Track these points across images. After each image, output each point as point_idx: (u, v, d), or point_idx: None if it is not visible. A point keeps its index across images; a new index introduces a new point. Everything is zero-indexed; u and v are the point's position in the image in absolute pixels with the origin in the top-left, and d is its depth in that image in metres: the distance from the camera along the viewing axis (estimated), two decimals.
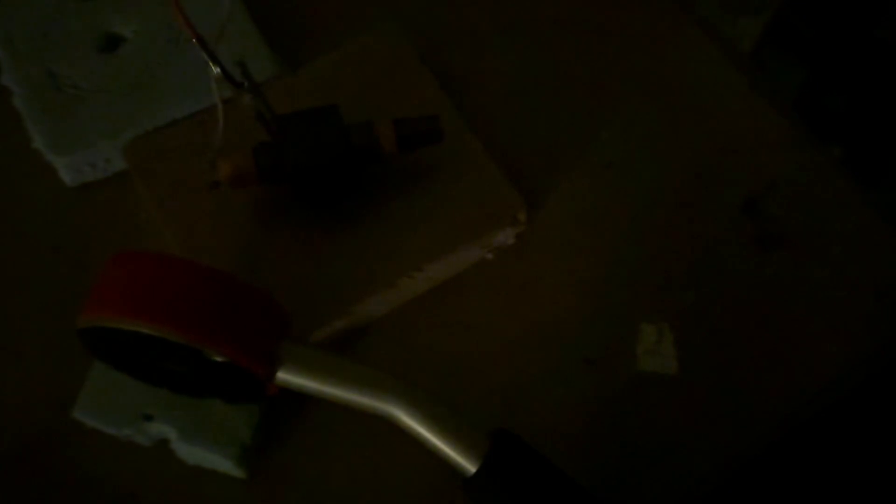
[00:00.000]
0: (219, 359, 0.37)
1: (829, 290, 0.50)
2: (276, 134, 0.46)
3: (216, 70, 0.42)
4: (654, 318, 0.49)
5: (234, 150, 0.46)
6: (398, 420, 0.41)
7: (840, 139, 0.90)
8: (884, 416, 0.67)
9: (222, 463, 0.43)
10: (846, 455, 0.70)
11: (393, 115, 0.47)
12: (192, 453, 0.44)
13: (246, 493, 0.44)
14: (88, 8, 0.54)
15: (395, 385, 0.41)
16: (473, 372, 0.48)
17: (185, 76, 0.52)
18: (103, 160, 0.51)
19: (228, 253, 0.48)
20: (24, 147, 0.51)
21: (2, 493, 0.45)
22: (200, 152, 0.49)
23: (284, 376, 0.40)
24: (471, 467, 0.40)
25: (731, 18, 0.75)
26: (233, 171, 0.46)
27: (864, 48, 0.85)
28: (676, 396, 0.47)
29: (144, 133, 0.51)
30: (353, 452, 0.46)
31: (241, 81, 0.44)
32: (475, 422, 0.41)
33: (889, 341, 0.49)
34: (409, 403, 0.40)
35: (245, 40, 0.53)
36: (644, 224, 0.52)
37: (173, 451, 0.44)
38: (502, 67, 0.56)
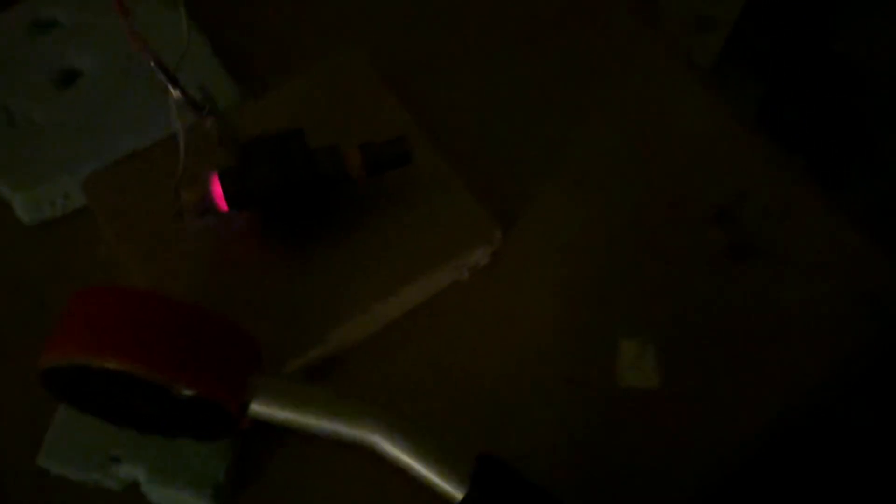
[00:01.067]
0: (188, 393, 0.36)
1: (805, 296, 0.50)
2: (240, 160, 0.45)
3: (176, 93, 0.41)
4: (633, 333, 0.48)
5: (198, 179, 0.45)
6: (380, 448, 0.40)
7: (801, 150, 0.91)
8: (866, 420, 0.67)
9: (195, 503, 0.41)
10: (830, 461, 0.70)
11: (359, 139, 0.46)
12: (165, 495, 0.42)
13: None
14: (45, 42, 0.53)
15: (375, 412, 0.40)
16: (453, 396, 0.47)
17: (144, 107, 0.51)
18: (62, 196, 0.49)
19: (194, 284, 0.46)
20: None
21: None
22: (162, 182, 0.48)
23: (258, 409, 0.39)
24: (458, 494, 0.39)
25: (692, 35, 0.76)
26: (196, 199, 0.44)
27: (821, 62, 0.87)
28: (659, 410, 0.46)
29: (104, 166, 0.50)
30: (332, 486, 0.44)
31: (203, 105, 0.43)
32: (459, 447, 0.40)
33: (866, 345, 0.49)
34: (391, 430, 0.39)
35: (205, 69, 0.52)
36: (617, 239, 0.51)
37: (145, 494, 0.42)
38: (467, 89, 0.56)
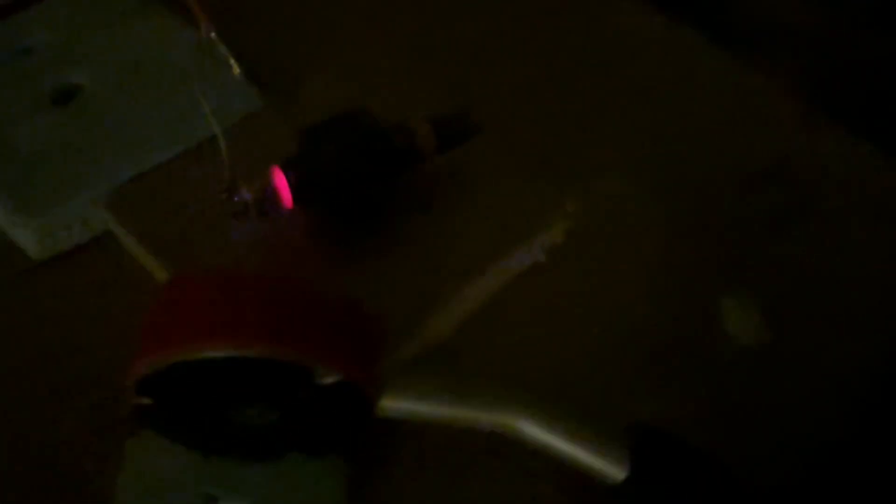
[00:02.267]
0: (329, 380, 0.30)
1: (872, 246, 0.50)
2: (301, 148, 0.41)
3: (238, 71, 0.37)
4: (729, 292, 0.46)
5: (255, 176, 0.40)
6: (524, 432, 0.35)
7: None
8: None
9: None
10: None
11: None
12: None
13: None
14: (30, 63, 0.47)
15: (517, 394, 0.35)
16: (564, 380, 0.42)
17: (161, 119, 0.46)
18: (79, 221, 0.43)
19: None
20: None
21: None
22: (198, 191, 0.42)
23: (393, 399, 0.33)
24: (619, 472, 0.35)
25: None
26: (260, 193, 0.39)
27: None
28: (775, 365, 0.44)
29: (126, 182, 0.44)
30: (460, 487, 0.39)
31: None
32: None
33: None
34: (538, 412, 0.35)
35: (223, 75, 0.48)
36: (681, 206, 0.49)
37: None
38: (504, 77, 0.54)
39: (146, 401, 0.31)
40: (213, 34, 0.36)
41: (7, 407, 0.39)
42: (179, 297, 0.31)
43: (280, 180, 0.40)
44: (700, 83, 0.56)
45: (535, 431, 0.35)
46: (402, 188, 0.43)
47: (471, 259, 0.43)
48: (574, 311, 0.45)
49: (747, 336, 0.45)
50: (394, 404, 0.34)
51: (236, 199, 0.39)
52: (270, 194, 0.39)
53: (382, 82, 0.49)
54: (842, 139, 0.54)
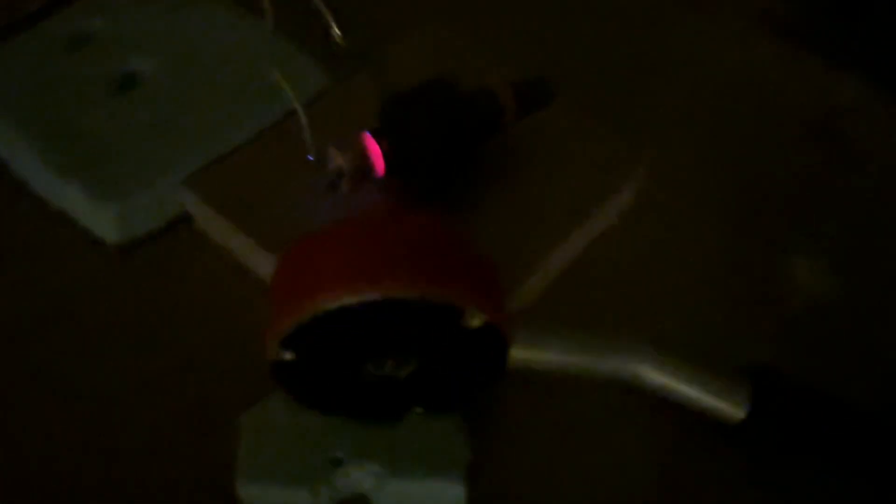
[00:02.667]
0: (477, 323, 0.30)
1: None
2: (387, 117, 0.41)
3: (337, 32, 0.37)
4: (798, 251, 0.47)
5: (347, 144, 0.40)
6: (644, 378, 0.35)
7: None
8: None
9: (449, 491, 0.34)
10: None
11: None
12: (404, 495, 0.34)
13: None
14: (89, 52, 0.47)
15: (633, 341, 0.35)
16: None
17: (229, 102, 0.45)
18: (157, 204, 0.42)
19: None
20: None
21: None
22: (277, 170, 0.42)
23: (519, 348, 0.33)
24: (739, 411, 0.35)
25: None
26: (356, 160, 0.39)
27: None
28: (860, 318, 0.45)
29: (206, 164, 0.43)
30: (580, 437, 0.39)
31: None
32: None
33: None
34: (657, 357, 0.35)
35: (290, 56, 0.48)
36: (741, 167, 0.51)
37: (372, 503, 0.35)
38: (555, 57, 0.55)
39: (289, 356, 0.30)
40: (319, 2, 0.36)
41: (102, 394, 0.38)
42: (315, 249, 0.30)
43: (373, 146, 0.40)
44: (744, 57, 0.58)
45: (654, 377, 0.35)
46: (485, 154, 0.43)
47: (561, 217, 0.43)
48: (654, 268, 0.46)
49: (817, 292, 0.46)
50: (519, 353, 0.34)
51: (330, 167, 0.39)
52: (363, 158, 0.39)
53: (461, 48, 0.50)
54: (876, 97, 0.56)
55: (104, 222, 0.41)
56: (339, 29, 0.43)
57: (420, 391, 0.33)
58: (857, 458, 0.37)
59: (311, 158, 0.39)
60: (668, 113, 0.53)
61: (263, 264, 0.40)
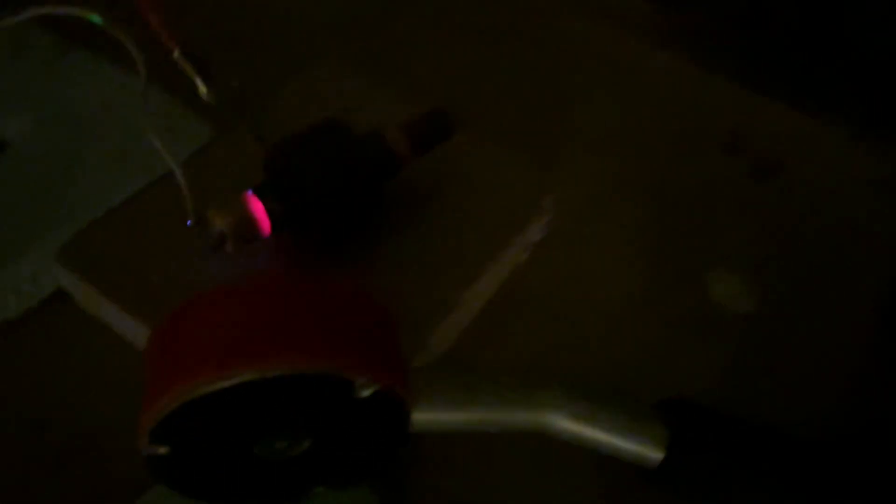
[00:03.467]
0: (367, 392, 0.27)
1: (834, 200, 0.51)
2: (272, 170, 0.38)
3: (203, 88, 0.34)
4: (713, 266, 0.46)
5: (226, 203, 0.37)
6: (557, 427, 0.33)
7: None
8: None
9: None
10: None
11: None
12: None
13: None
14: None
15: (546, 389, 0.33)
16: (574, 369, 0.41)
17: (106, 161, 0.43)
18: (30, 280, 0.39)
19: None
20: None
21: None
22: (159, 231, 0.39)
23: (421, 411, 0.31)
24: (657, 453, 0.33)
25: None
26: (234, 223, 0.36)
27: None
28: (777, 329, 0.44)
29: (78, 232, 0.40)
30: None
31: (239, 106, 0.36)
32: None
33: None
34: (571, 404, 0.33)
35: (168, 111, 0.45)
36: (651, 188, 0.50)
37: None
38: (460, 75, 0.53)
39: (162, 450, 0.27)
40: (176, 53, 0.33)
41: None
42: (187, 323, 0.27)
43: (256, 205, 0.37)
44: (650, 76, 0.57)
45: (569, 425, 0.33)
46: (385, 195, 0.41)
47: (470, 257, 0.41)
48: (570, 299, 0.44)
49: (734, 306, 0.45)
50: (422, 416, 0.31)
51: (209, 230, 0.36)
52: (247, 220, 0.37)
53: (351, 93, 0.48)
54: (782, 110, 0.56)
55: None
56: (231, 76, 0.40)
57: (319, 468, 0.30)
58: (781, 480, 0.36)
59: (189, 224, 0.36)
60: (576, 137, 0.52)
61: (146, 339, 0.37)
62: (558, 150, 0.51)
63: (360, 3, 0.58)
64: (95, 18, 0.39)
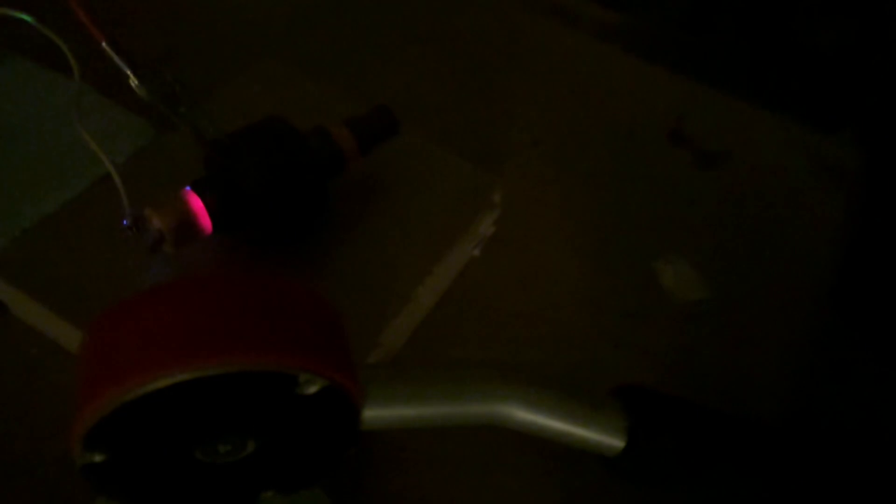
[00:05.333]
0: (315, 388, 0.26)
1: (774, 184, 0.51)
2: (216, 161, 0.37)
3: (136, 83, 0.33)
4: (660, 255, 0.46)
5: (165, 202, 0.36)
6: (515, 419, 0.32)
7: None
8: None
9: None
10: None
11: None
12: None
13: None
14: None
15: (502, 380, 0.32)
16: (530, 360, 0.40)
17: (39, 166, 0.41)
18: None
19: None
20: None
21: None
22: (94, 235, 0.38)
23: (373, 408, 0.30)
24: (619, 441, 0.33)
25: None
26: (173, 222, 0.35)
27: None
28: (727, 314, 0.44)
29: (11, 240, 0.38)
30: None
31: (176, 98, 0.35)
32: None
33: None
34: (527, 394, 0.32)
35: (106, 113, 0.43)
36: (596, 180, 0.50)
37: None
38: (405, 73, 0.53)
39: (97, 457, 0.26)
40: (104, 44, 0.32)
41: None
42: (120, 323, 0.26)
43: (196, 203, 0.36)
44: (591, 68, 0.57)
45: (526, 415, 0.32)
46: (333, 194, 0.40)
47: (421, 253, 0.40)
48: (521, 293, 0.44)
49: (686, 293, 0.45)
50: (374, 413, 0.30)
51: (147, 230, 0.35)
52: (186, 218, 0.35)
53: (295, 91, 0.47)
54: (725, 100, 0.56)
55: None
56: (169, 70, 0.38)
57: (266, 472, 0.29)
58: (740, 462, 0.36)
59: (126, 223, 0.35)
60: (523, 132, 0.52)
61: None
62: (504, 146, 0.50)
63: (306, 2, 0.57)
64: (26, 17, 0.37)
